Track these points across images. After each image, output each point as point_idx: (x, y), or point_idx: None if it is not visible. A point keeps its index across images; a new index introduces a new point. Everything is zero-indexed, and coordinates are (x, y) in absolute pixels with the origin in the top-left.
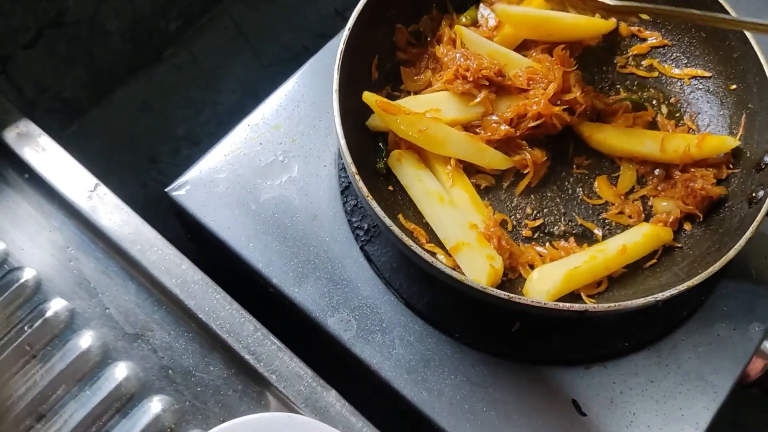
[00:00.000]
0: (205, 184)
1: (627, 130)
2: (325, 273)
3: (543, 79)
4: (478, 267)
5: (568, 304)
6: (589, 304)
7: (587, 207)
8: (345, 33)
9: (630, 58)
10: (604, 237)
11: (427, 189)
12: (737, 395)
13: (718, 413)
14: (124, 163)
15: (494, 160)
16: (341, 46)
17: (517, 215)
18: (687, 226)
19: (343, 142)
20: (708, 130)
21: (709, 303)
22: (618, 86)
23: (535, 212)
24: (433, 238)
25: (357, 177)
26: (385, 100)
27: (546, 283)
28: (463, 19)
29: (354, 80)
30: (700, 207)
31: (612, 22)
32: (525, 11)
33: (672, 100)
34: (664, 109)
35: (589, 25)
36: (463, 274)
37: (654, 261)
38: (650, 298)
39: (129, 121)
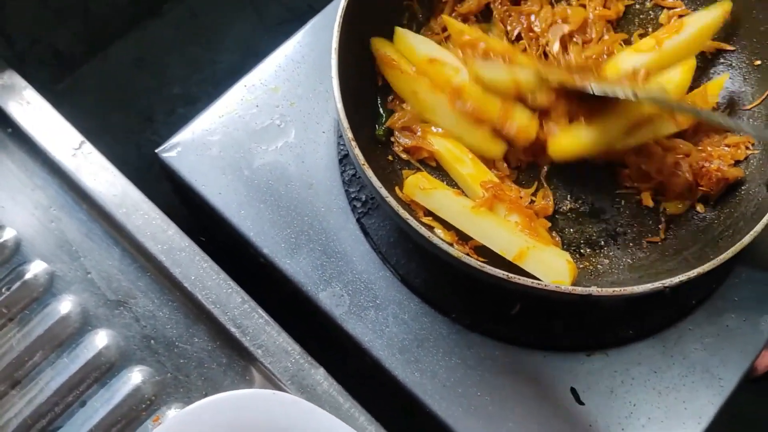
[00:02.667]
0: (197, 147)
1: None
2: (318, 245)
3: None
4: (555, 268)
5: (570, 287)
6: (593, 288)
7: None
8: None
9: (650, 29)
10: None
11: (460, 204)
12: (744, 388)
13: (723, 408)
14: (117, 121)
15: (485, 141)
16: (342, 3)
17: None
18: (700, 208)
19: (340, 105)
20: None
21: (719, 292)
22: None
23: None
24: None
25: (353, 143)
26: (387, 55)
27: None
28: None
29: (356, 41)
30: (714, 188)
31: None
32: None
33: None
34: None
35: None
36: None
37: (661, 238)
38: (658, 284)
39: (124, 78)
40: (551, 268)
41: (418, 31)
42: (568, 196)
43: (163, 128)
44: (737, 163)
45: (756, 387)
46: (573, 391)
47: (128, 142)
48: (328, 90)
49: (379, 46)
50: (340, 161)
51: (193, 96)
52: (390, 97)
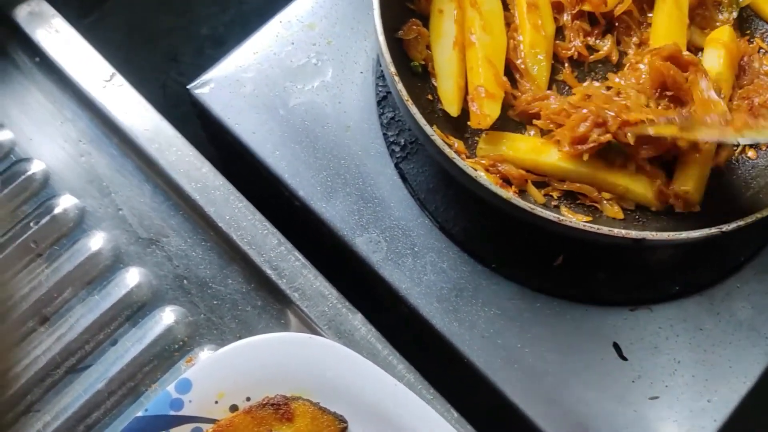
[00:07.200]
0: (230, 84)
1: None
2: (355, 189)
3: None
4: None
5: (624, 231)
6: (647, 233)
7: None
8: None
9: None
10: None
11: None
12: None
13: None
14: (143, 60)
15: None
16: None
17: None
18: (751, 154)
19: (382, 38)
20: None
21: None
22: None
23: None
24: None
25: (396, 78)
26: None
27: None
28: None
29: None
30: None
31: None
32: None
33: (744, 14)
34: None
35: None
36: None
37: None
38: (714, 230)
39: (150, 16)
40: None
41: None
42: None
43: (189, 69)
44: None
45: None
46: (615, 345)
47: (154, 82)
48: (367, 29)
49: None
50: (379, 103)
51: (221, 37)
52: None
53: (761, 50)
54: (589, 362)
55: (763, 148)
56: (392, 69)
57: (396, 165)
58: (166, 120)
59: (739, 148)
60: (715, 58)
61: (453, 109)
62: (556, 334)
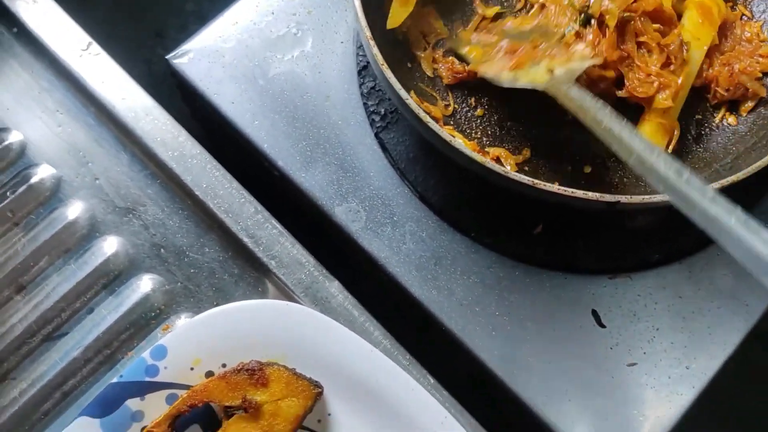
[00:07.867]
0: (209, 54)
1: None
2: (335, 159)
3: None
4: None
5: (598, 194)
6: (622, 196)
7: None
8: None
9: None
10: None
11: None
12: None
13: (749, 335)
14: (127, 36)
15: None
16: None
17: None
18: (732, 120)
19: (357, 2)
20: (763, 17)
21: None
22: None
23: None
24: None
25: (371, 42)
26: None
27: None
28: None
29: None
30: (733, 94)
31: None
32: None
33: None
34: None
35: None
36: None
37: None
38: None
39: None
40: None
41: None
42: None
43: (174, 45)
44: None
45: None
46: (594, 313)
47: (138, 57)
48: None
49: None
50: (359, 73)
51: (205, 12)
52: None
53: (744, 17)
54: (567, 330)
55: (743, 114)
56: (367, 33)
57: (376, 134)
58: (151, 94)
59: (720, 114)
60: (688, 18)
61: (391, 20)
62: (534, 301)
